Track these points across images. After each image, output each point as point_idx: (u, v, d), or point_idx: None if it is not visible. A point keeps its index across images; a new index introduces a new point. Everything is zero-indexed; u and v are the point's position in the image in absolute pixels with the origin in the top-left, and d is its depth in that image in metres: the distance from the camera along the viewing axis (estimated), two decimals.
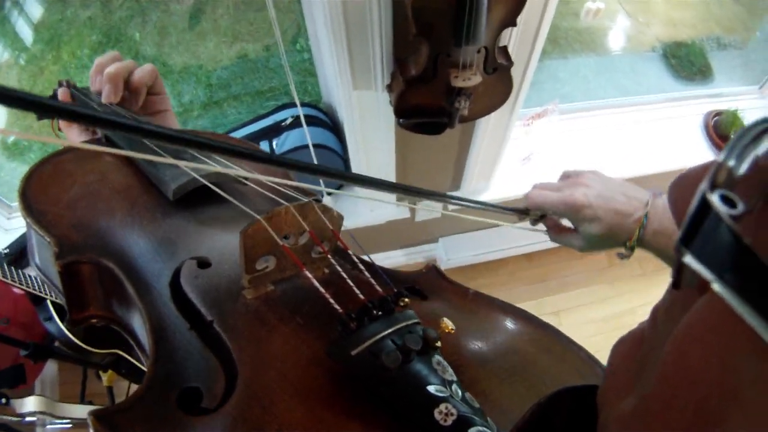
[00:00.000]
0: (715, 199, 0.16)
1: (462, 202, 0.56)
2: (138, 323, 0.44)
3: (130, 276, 0.43)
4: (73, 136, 0.63)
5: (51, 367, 1.81)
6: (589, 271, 2.24)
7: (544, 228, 0.70)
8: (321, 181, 1.24)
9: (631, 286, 2.18)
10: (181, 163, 0.46)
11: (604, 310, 2.15)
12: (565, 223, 0.67)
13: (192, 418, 0.32)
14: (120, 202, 0.50)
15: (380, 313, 0.35)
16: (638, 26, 2.27)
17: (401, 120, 1.10)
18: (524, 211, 0.67)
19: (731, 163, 0.17)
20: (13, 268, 1.25)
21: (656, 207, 0.58)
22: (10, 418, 1.21)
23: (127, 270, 0.44)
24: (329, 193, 1.55)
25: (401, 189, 0.43)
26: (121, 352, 1.43)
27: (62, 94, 0.64)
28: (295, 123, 1.45)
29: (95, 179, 0.52)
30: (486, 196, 1.64)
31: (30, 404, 1.24)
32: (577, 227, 0.64)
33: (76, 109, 0.23)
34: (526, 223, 0.70)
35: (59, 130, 0.65)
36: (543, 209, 0.65)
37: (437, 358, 0.33)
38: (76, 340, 1.33)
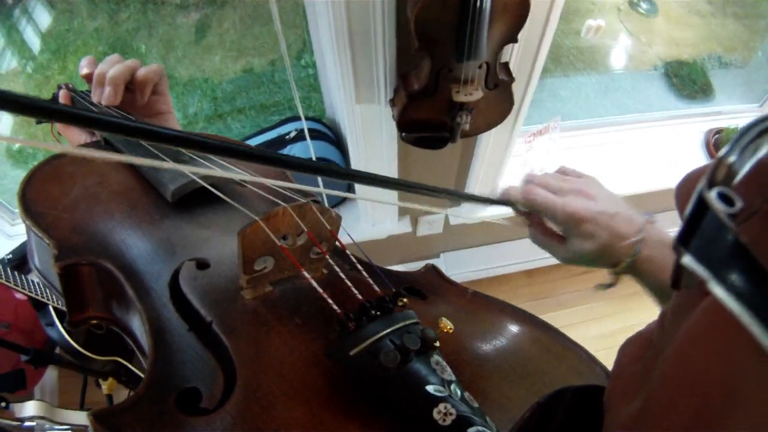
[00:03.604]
0: (712, 197, 0.16)
1: (434, 192, 0.51)
2: (137, 324, 0.44)
3: (130, 277, 0.43)
4: (73, 137, 0.62)
5: (51, 375, 1.79)
6: (588, 289, 2.23)
7: (527, 223, 0.63)
8: (324, 196, 1.24)
9: (629, 304, 2.16)
10: (180, 166, 0.47)
11: (601, 328, 2.14)
12: (553, 226, 0.60)
13: (191, 418, 0.32)
14: (119, 204, 0.51)
15: (378, 313, 0.35)
16: (640, 45, 2.29)
17: (404, 134, 1.11)
18: (506, 203, 0.60)
19: (732, 158, 0.16)
20: (16, 272, 1.25)
21: (649, 232, 0.54)
22: (9, 422, 1.19)
23: (127, 271, 0.44)
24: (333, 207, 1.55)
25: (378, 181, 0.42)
26: (121, 360, 1.43)
27: (63, 96, 0.64)
28: (299, 136, 1.47)
29: (95, 181, 0.52)
30: (488, 212, 1.64)
31: (30, 408, 1.22)
32: (567, 238, 0.57)
33: (71, 110, 0.23)
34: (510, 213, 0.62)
35: (58, 133, 0.65)
36: (541, 212, 0.58)
37: (436, 357, 0.33)
38: (77, 346, 1.33)
